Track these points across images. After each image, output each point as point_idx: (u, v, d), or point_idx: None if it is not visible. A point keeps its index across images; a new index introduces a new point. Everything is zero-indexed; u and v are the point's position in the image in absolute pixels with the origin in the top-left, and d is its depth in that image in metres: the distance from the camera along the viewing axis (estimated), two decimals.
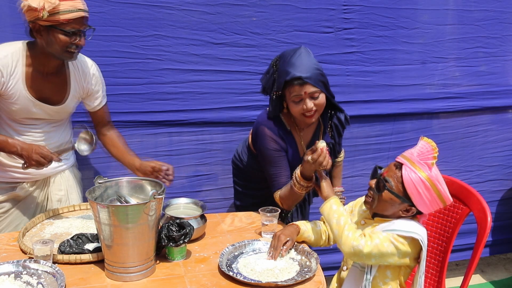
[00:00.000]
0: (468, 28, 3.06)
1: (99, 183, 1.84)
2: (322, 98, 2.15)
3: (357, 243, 1.78)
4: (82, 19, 1.98)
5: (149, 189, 1.86)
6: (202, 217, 2.07)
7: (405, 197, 1.81)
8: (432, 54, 3.05)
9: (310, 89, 2.11)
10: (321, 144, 1.99)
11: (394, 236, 1.79)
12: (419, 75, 3.06)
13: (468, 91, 3.17)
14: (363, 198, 2.01)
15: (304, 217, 2.53)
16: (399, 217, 1.86)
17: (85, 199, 2.48)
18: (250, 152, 2.40)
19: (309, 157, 2.00)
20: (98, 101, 2.27)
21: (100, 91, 2.26)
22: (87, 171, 2.68)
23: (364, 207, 2.01)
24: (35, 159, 1.99)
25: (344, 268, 2.01)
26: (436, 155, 1.78)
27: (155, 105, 2.68)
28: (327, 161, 2.00)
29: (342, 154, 2.52)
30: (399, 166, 1.83)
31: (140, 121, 2.68)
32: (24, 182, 2.22)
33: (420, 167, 1.78)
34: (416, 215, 1.88)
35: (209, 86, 2.73)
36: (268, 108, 2.27)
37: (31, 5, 1.85)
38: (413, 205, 1.82)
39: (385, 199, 1.83)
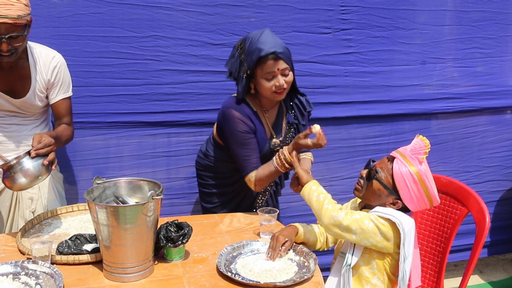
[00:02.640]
0: (465, 28, 3.07)
1: (98, 183, 1.84)
2: (291, 76, 2.22)
3: (336, 214, 1.82)
4: (2, 26, 1.91)
5: (147, 189, 1.86)
6: None
7: (393, 189, 1.86)
8: (430, 54, 3.05)
9: (282, 65, 2.16)
10: (317, 128, 2.08)
11: (375, 216, 1.83)
12: (417, 75, 3.07)
13: (466, 92, 3.18)
14: (355, 199, 2.04)
15: (277, 201, 2.59)
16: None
17: (68, 201, 2.47)
18: (217, 144, 2.41)
19: (309, 142, 2.10)
20: (54, 94, 2.21)
21: (58, 85, 2.21)
22: (85, 172, 2.68)
23: (355, 204, 2.06)
24: None
25: (334, 261, 2.02)
26: (427, 151, 1.83)
27: (154, 105, 2.68)
28: (324, 142, 2.14)
29: (310, 154, 2.50)
30: (392, 159, 1.89)
31: (139, 121, 2.68)
32: None
33: (411, 161, 1.83)
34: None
35: (207, 87, 2.73)
36: (235, 93, 2.29)
37: None
38: (399, 198, 1.85)
39: (374, 189, 1.89)
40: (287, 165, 2.18)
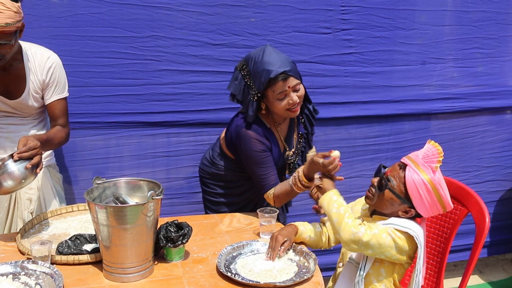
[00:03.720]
0: (465, 29, 3.06)
1: (97, 183, 1.84)
2: (302, 89, 2.19)
3: (356, 230, 1.77)
4: None
5: (147, 189, 1.86)
6: None
7: (406, 198, 1.81)
8: (430, 55, 3.05)
9: (292, 82, 2.12)
10: (336, 154, 2.01)
11: (392, 229, 1.79)
12: (417, 76, 3.07)
13: (466, 92, 3.18)
14: (362, 199, 2.01)
15: (287, 211, 2.59)
16: (397, 217, 1.86)
17: (67, 201, 2.47)
18: (226, 157, 2.36)
19: (321, 160, 2.01)
20: (49, 95, 2.19)
21: (53, 85, 2.18)
22: (85, 172, 2.68)
23: (363, 206, 2.02)
24: None
25: (340, 265, 2.01)
26: (441, 159, 1.78)
27: (154, 106, 2.68)
28: (336, 169, 2.02)
29: (313, 150, 2.53)
30: (403, 167, 1.83)
31: (139, 122, 2.68)
32: None
33: (424, 169, 1.78)
34: (415, 218, 1.88)
35: (207, 87, 2.73)
36: (244, 113, 2.24)
37: None
38: (412, 207, 1.82)
39: (386, 198, 1.84)
40: (300, 185, 2.14)
